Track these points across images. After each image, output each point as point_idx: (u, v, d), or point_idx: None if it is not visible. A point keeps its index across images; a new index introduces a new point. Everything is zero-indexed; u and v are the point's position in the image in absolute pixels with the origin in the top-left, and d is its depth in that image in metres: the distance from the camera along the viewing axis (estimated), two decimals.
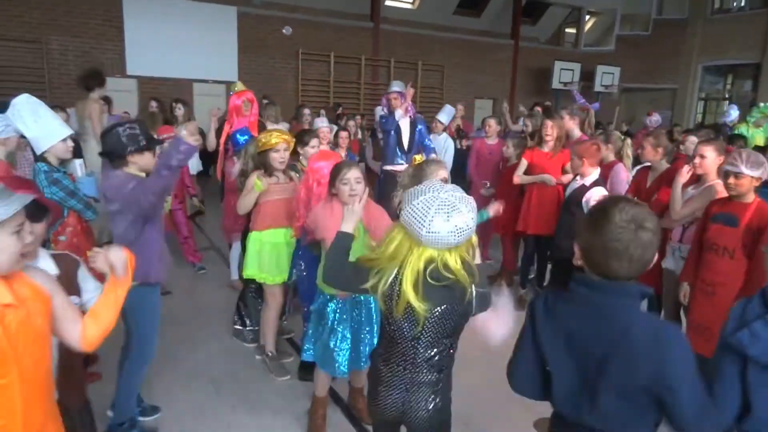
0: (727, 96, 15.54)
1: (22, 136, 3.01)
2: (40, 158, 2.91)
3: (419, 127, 5.65)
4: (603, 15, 15.31)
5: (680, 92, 15.37)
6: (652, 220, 1.38)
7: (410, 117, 5.60)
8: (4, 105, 3.53)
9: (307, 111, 6.76)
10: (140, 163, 2.51)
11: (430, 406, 1.78)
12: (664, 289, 3.55)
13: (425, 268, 1.62)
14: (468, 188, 5.52)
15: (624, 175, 4.35)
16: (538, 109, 6.87)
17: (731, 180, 2.85)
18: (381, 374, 1.84)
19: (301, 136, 3.89)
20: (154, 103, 6.61)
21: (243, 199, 3.29)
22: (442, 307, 1.68)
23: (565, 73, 14.13)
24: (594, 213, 1.46)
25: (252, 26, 11.02)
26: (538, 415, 3.03)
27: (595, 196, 3.47)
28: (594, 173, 3.73)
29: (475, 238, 1.70)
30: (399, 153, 5.57)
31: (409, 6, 13.40)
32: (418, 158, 3.04)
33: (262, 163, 3.30)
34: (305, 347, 2.87)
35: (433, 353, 1.76)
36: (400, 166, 5.31)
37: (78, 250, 2.93)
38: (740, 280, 2.92)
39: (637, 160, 4.60)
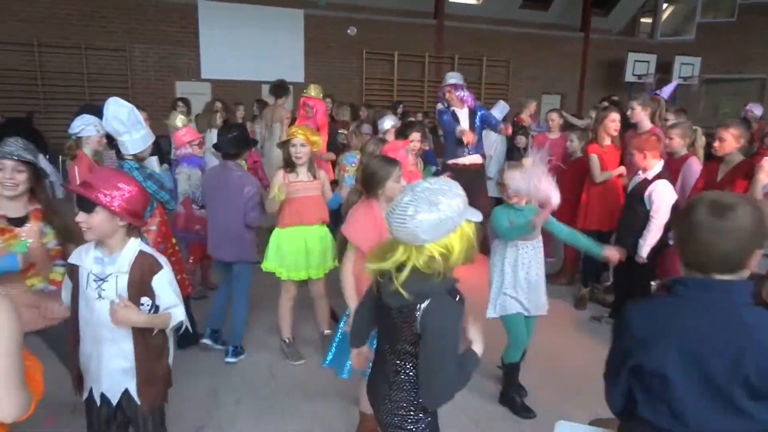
0: None
1: (108, 136, 3.25)
2: (122, 156, 3.14)
3: (479, 113, 5.41)
4: (683, 2, 14.43)
5: None
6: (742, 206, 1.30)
7: (468, 107, 5.37)
8: (94, 108, 3.87)
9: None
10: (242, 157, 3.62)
11: (387, 406, 1.68)
12: None
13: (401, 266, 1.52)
14: None
15: (697, 167, 4.11)
16: (606, 103, 6.58)
17: None
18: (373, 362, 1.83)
19: (402, 130, 4.06)
20: (219, 104, 7.00)
21: (267, 201, 3.40)
22: (396, 306, 1.55)
23: (639, 65, 13.45)
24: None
25: (318, 28, 11.29)
26: (547, 412, 2.98)
27: (659, 190, 3.32)
28: (657, 166, 3.54)
29: (462, 237, 1.51)
30: (460, 146, 5.42)
31: (473, 2, 13.24)
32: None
33: (286, 156, 3.39)
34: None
35: (389, 346, 1.67)
36: (463, 159, 5.24)
37: (165, 239, 3.24)
38: None
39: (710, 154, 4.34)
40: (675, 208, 3.46)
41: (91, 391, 1.96)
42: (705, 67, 13.81)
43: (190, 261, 4.46)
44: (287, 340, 3.67)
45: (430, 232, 1.44)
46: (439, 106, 5.71)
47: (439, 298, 1.50)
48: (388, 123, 4.59)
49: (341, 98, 8.89)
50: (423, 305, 1.50)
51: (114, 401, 1.95)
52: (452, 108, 5.35)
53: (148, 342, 1.91)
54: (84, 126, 3.62)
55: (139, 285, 1.87)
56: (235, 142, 3.48)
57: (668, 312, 1.37)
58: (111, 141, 3.15)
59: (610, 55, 13.93)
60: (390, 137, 4.34)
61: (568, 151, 4.95)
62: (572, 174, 4.64)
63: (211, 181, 3.59)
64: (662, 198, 3.41)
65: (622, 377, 1.43)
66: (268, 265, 3.47)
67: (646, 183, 3.51)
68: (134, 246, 1.90)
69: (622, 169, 4.40)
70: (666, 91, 5.60)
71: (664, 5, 14.39)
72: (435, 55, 12.47)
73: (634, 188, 3.64)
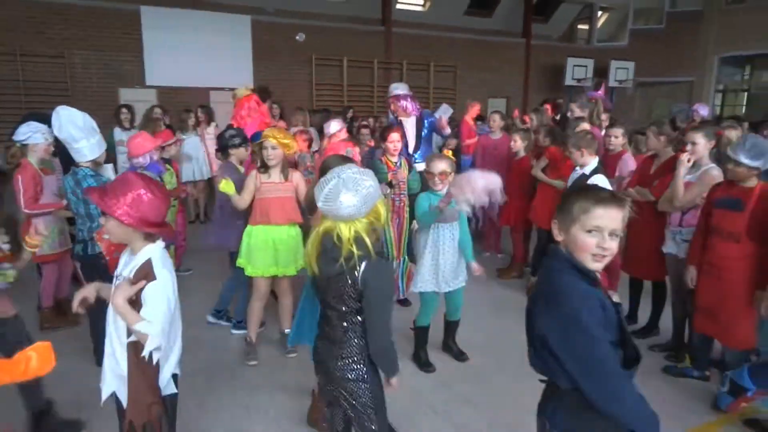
0: (746, 87, 15.33)
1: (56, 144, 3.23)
2: (75, 163, 3.12)
3: (427, 120, 5.46)
4: (616, 10, 15.23)
5: (697, 84, 15.19)
6: None
7: (414, 116, 5.40)
8: (40, 116, 3.81)
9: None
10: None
11: (338, 364, 1.98)
12: (669, 273, 3.60)
13: (323, 237, 1.91)
14: None
15: (632, 162, 4.41)
16: (546, 105, 6.92)
17: (730, 166, 2.91)
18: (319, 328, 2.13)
19: (382, 132, 4.30)
20: (158, 110, 7.11)
21: (236, 198, 3.58)
22: (336, 273, 1.88)
23: (578, 70, 14.10)
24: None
25: (266, 34, 11.25)
26: (500, 392, 3.33)
27: (597, 184, 3.55)
28: (593, 162, 3.81)
29: (383, 213, 1.92)
30: (405, 153, 5.49)
31: (419, 8, 13.52)
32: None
33: (259, 158, 3.54)
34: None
35: (336, 314, 1.97)
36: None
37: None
38: (746, 264, 2.98)
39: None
40: None
41: None
42: (638, 71, 14.62)
43: None
44: (248, 339, 3.76)
45: (357, 209, 1.81)
46: (390, 116, 5.80)
47: (372, 259, 1.87)
48: (334, 126, 4.70)
49: (292, 104, 8.91)
50: (362, 266, 1.85)
51: (104, 396, 2.00)
52: (399, 118, 5.39)
53: (139, 361, 1.84)
54: (31, 133, 3.54)
55: (138, 291, 1.84)
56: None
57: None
58: (57, 149, 3.14)
59: (551, 60, 14.53)
60: (336, 140, 4.50)
61: (512, 151, 5.19)
62: (517, 173, 4.87)
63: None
64: None
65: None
66: (240, 261, 3.61)
67: (584, 178, 3.76)
68: (147, 253, 1.91)
69: (559, 184, 4.57)
70: (600, 94, 5.97)
71: (599, 12, 15.14)
72: (384, 60, 12.65)
73: (574, 183, 3.88)
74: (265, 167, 3.53)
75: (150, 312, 1.81)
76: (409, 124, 5.38)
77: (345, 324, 1.97)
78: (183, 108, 8.24)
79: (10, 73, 9.31)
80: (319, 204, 1.85)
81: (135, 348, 1.85)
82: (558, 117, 6.89)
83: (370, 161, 4.90)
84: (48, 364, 1.75)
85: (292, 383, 3.40)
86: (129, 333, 1.85)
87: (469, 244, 3.51)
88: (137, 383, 1.87)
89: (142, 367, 1.85)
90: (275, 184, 3.53)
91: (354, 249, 1.84)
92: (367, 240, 1.86)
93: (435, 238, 3.38)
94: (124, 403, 1.91)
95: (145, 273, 1.86)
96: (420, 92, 13.04)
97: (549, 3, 14.72)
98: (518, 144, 5.04)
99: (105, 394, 1.99)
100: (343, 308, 1.94)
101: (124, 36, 10.16)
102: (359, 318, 1.95)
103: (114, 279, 1.98)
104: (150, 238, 1.93)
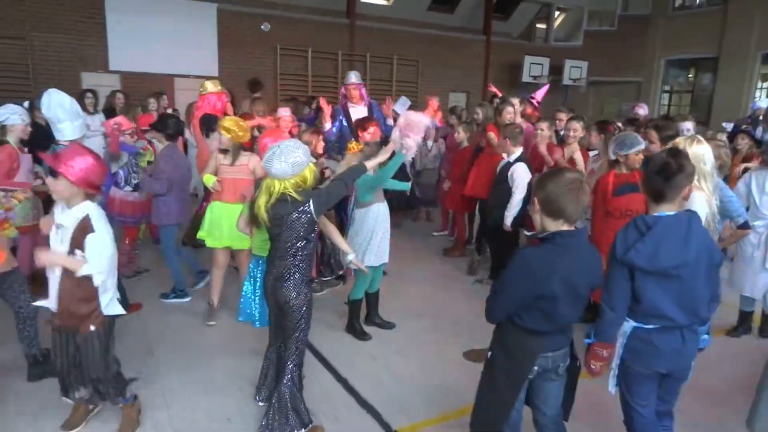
0: (690, 89, 16.29)
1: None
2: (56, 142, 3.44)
3: (376, 113, 5.88)
4: (572, 11, 15.91)
5: (645, 85, 16.08)
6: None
7: (365, 105, 5.91)
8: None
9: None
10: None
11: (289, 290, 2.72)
12: None
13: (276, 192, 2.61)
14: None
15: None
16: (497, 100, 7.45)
17: (622, 160, 3.49)
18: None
19: (362, 122, 4.67)
20: (120, 95, 7.52)
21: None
22: (291, 215, 2.61)
23: (534, 67, 14.72)
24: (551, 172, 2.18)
25: (231, 22, 11.38)
26: (432, 351, 3.84)
27: (518, 170, 4.16)
28: (517, 152, 4.38)
29: (309, 177, 2.67)
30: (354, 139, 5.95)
31: (384, 2, 13.84)
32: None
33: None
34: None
35: (288, 249, 2.69)
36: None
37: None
38: None
39: None
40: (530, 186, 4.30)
41: None
42: (591, 71, 15.35)
43: (126, 242, 4.88)
44: (209, 303, 4.27)
45: (283, 171, 2.54)
46: (339, 104, 6.21)
47: (312, 194, 2.67)
48: (281, 112, 5.26)
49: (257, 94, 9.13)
50: (310, 202, 2.63)
51: (53, 309, 2.61)
52: (350, 105, 5.86)
53: (73, 282, 2.50)
54: (9, 115, 3.75)
55: (77, 240, 2.46)
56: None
57: (554, 255, 2.01)
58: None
59: (510, 57, 15.10)
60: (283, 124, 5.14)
61: (456, 141, 5.73)
62: (459, 161, 5.46)
63: None
64: (521, 177, 4.23)
65: (512, 302, 2.09)
66: (200, 233, 4.09)
67: (509, 165, 4.30)
68: (84, 209, 2.49)
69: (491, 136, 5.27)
70: (540, 93, 6.50)
71: (557, 13, 15.79)
72: (348, 52, 12.94)
73: (501, 169, 4.44)
74: (225, 151, 4.00)
75: (94, 259, 2.44)
76: (360, 113, 5.83)
77: (291, 260, 2.71)
78: (147, 94, 8.37)
79: None
80: (262, 164, 2.62)
81: (68, 276, 2.50)
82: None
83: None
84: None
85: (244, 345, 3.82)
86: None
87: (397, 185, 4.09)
88: (70, 303, 2.54)
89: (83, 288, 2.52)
90: (228, 166, 4.01)
91: (291, 196, 2.60)
92: (295, 195, 2.59)
93: (376, 216, 3.84)
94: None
95: (85, 226, 2.45)
96: (383, 85, 13.41)
97: (509, 1, 15.25)
98: (461, 135, 5.57)
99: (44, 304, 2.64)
100: (296, 245, 2.68)
101: (87, 19, 10.14)
102: (301, 254, 2.72)
103: (55, 228, 2.53)
104: (89, 196, 2.52)
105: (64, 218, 2.50)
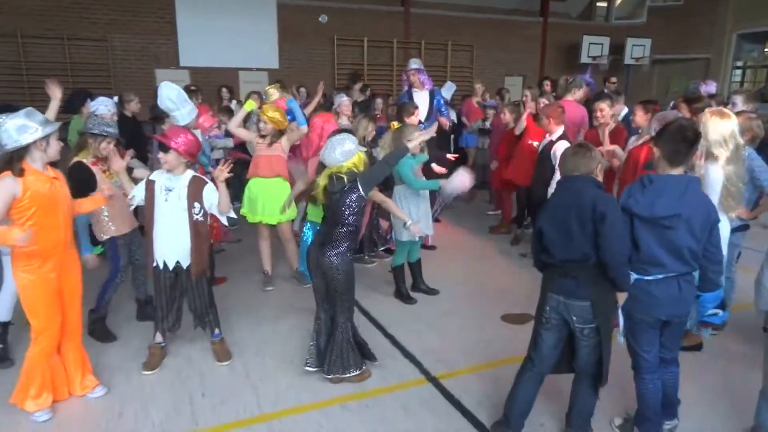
0: (766, 63, 15.33)
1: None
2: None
3: (437, 98, 6.37)
4: None
5: (714, 61, 15.26)
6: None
7: (428, 89, 6.31)
8: (85, 93, 4.89)
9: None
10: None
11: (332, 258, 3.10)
12: None
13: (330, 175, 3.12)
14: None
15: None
16: (547, 84, 7.51)
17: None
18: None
19: (405, 107, 5.20)
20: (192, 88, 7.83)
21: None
22: (343, 192, 3.05)
23: (594, 48, 14.34)
24: None
25: (290, 16, 11.87)
26: (473, 314, 4.18)
27: (560, 149, 4.23)
28: (559, 130, 4.46)
29: (361, 161, 3.15)
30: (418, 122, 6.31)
31: None
32: (395, 124, 4.10)
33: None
34: None
35: (338, 221, 3.09)
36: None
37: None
38: None
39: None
40: None
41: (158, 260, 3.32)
42: (655, 48, 14.77)
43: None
44: (264, 272, 4.71)
45: (336, 159, 3.04)
46: (405, 89, 6.61)
47: (359, 174, 3.11)
48: (341, 99, 5.55)
49: (315, 84, 9.55)
50: (357, 181, 3.07)
51: (171, 265, 3.29)
52: (414, 90, 6.22)
53: (198, 234, 3.25)
54: (99, 105, 4.38)
55: (194, 195, 3.21)
56: None
57: (552, 197, 2.51)
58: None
59: (568, 38, 14.79)
60: (342, 110, 5.41)
61: (503, 122, 5.87)
62: (507, 141, 5.63)
63: None
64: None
65: (534, 244, 2.53)
66: (242, 210, 4.51)
67: (551, 143, 4.41)
68: (189, 174, 3.27)
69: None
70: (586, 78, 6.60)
71: None
72: (403, 40, 13.17)
73: (543, 148, 4.54)
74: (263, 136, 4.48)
75: (210, 201, 3.26)
76: (422, 97, 6.17)
77: (340, 230, 3.12)
78: (214, 87, 9.00)
79: (58, 55, 10.19)
80: (325, 158, 3.11)
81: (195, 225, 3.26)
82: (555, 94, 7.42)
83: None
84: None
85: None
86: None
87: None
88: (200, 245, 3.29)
89: (202, 234, 3.29)
90: (266, 146, 4.44)
91: (341, 176, 3.09)
92: (345, 178, 3.06)
93: (420, 195, 4.24)
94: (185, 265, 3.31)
95: (197, 184, 3.24)
96: (438, 71, 13.53)
97: None
98: (507, 117, 5.69)
99: (171, 263, 3.28)
100: (343, 220, 3.09)
101: (160, 19, 10.93)
102: (347, 226, 3.12)
103: (164, 192, 3.21)
104: (189, 166, 3.27)
105: (174, 183, 3.20)
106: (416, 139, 3.68)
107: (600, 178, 2.47)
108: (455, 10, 13.68)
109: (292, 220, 4.76)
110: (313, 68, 12.08)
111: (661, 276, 2.37)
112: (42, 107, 3.37)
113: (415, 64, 6.35)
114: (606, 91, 6.51)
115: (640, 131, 4.39)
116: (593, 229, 2.26)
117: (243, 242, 5.89)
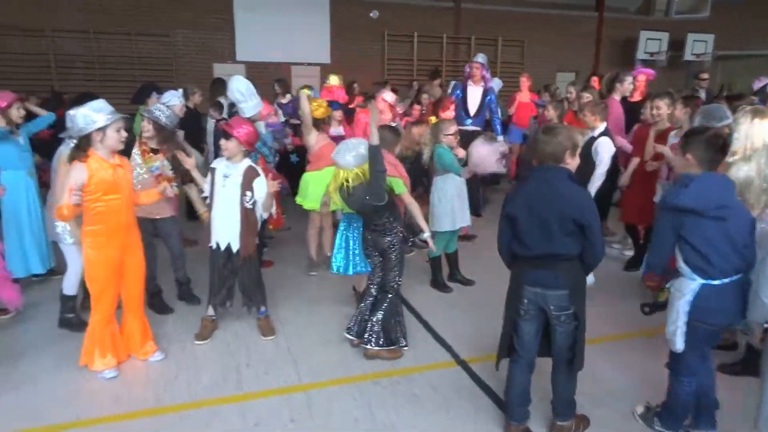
0: None
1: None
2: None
3: (489, 96, 6.49)
4: None
5: None
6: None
7: (483, 86, 6.45)
8: (152, 86, 5.34)
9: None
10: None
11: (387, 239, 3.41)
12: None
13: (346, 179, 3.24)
14: None
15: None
16: (594, 79, 7.43)
17: None
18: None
19: (440, 102, 5.39)
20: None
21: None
22: (362, 195, 3.21)
23: (651, 43, 13.93)
24: None
25: (342, 11, 12.15)
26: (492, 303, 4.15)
27: (603, 144, 4.26)
28: (601, 126, 4.47)
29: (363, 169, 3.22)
30: (464, 116, 6.42)
31: None
32: (433, 119, 4.27)
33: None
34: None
35: (376, 218, 3.35)
36: (465, 128, 6.16)
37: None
38: None
39: None
40: (615, 159, 4.40)
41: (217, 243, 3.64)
42: (718, 44, 14.18)
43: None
44: (309, 257, 5.00)
45: (347, 163, 3.17)
46: (453, 82, 6.74)
47: (368, 192, 3.23)
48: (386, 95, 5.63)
49: (366, 79, 9.80)
50: (371, 199, 3.22)
51: (223, 246, 3.59)
52: (469, 83, 6.42)
53: (248, 220, 3.54)
54: (171, 97, 4.80)
55: (247, 184, 3.47)
56: None
57: (524, 185, 2.55)
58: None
59: (624, 33, 14.40)
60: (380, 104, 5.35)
61: (547, 118, 5.88)
62: None
63: None
64: (604, 151, 4.34)
65: (504, 231, 2.61)
66: (296, 198, 4.84)
67: (593, 139, 4.42)
68: (246, 162, 3.54)
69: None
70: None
71: None
72: (453, 36, 13.21)
73: (586, 143, 4.55)
74: (318, 126, 4.74)
75: (260, 194, 3.52)
76: (476, 92, 6.32)
77: (381, 223, 3.41)
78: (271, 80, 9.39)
79: (125, 50, 10.87)
80: (338, 161, 3.23)
81: (246, 213, 3.54)
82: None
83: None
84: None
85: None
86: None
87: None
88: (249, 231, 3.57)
89: (251, 221, 3.58)
90: (323, 137, 4.76)
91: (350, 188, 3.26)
92: (351, 183, 3.20)
93: (453, 184, 4.37)
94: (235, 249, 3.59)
95: (251, 174, 3.50)
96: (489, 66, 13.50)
97: None
98: (551, 113, 5.71)
99: (223, 244, 3.59)
100: (378, 221, 3.39)
101: (218, 16, 11.45)
102: (386, 219, 3.38)
103: (223, 178, 3.50)
104: (246, 155, 3.57)
105: (232, 170, 3.48)
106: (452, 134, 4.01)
107: (572, 164, 2.48)
108: (506, 4, 13.59)
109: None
110: (363, 63, 12.31)
111: (727, 280, 2.38)
112: (109, 97, 3.68)
113: (481, 58, 6.53)
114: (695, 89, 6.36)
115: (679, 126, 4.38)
116: (574, 229, 2.37)
117: (292, 230, 6.20)
